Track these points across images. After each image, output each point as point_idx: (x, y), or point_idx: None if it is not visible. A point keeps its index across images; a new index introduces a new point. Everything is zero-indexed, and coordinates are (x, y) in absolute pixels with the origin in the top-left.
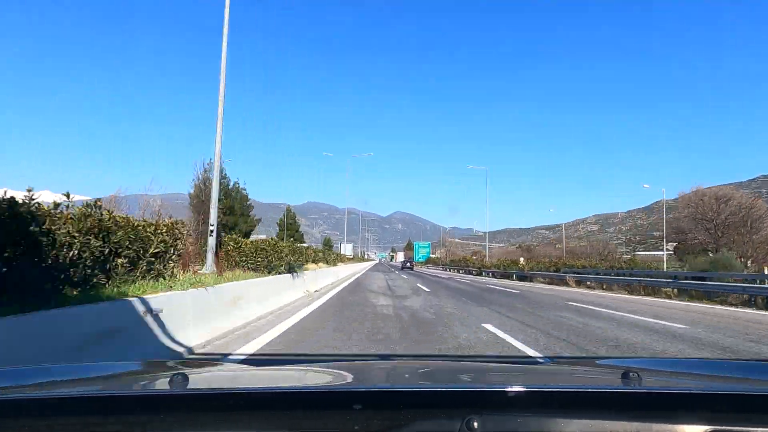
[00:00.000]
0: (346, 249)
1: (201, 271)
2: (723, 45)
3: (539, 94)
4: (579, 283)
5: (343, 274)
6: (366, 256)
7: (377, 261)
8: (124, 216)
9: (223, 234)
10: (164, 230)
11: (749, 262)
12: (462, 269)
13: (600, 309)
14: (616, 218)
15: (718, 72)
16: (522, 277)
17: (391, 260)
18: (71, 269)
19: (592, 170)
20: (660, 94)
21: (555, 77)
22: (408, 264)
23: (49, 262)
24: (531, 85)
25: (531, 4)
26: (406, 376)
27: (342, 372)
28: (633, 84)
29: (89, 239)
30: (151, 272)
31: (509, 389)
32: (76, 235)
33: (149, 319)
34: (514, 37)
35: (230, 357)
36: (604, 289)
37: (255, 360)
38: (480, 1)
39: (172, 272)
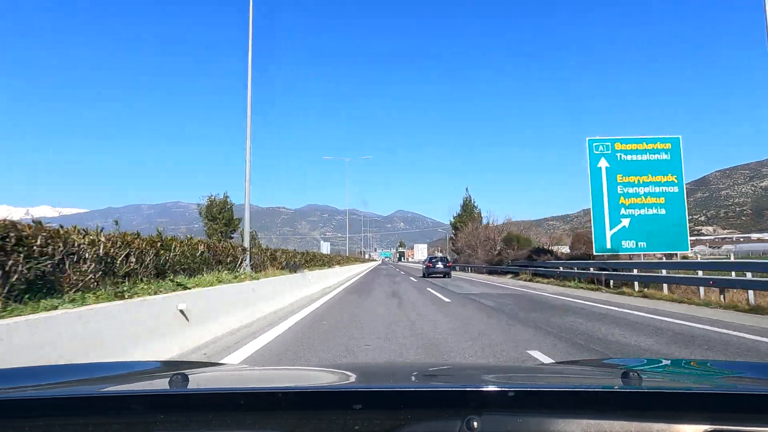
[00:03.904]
0: (324, 247)
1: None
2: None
3: (539, 89)
4: None
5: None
6: (368, 257)
7: (379, 261)
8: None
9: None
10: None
11: None
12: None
13: None
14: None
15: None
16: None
17: (400, 259)
18: None
19: None
20: (667, 79)
21: (552, 73)
22: (438, 265)
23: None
24: (531, 82)
25: (532, 4)
26: (407, 376)
27: (342, 372)
28: (637, 70)
29: None
30: None
31: (509, 389)
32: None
33: None
34: (514, 35)
35: None
36: None
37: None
38: (478, 4)
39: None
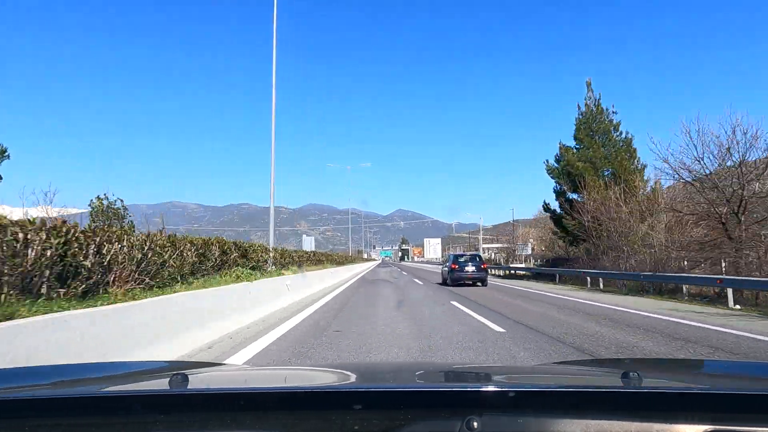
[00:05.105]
0: (307, 242)
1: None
2: None
3: (540, 87)
4: None
5: None
6: (367, 256)
7: (379, 261)
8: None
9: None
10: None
11: None
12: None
13: None
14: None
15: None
16: None
17: (403, 259)
18: None
19: None
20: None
21: (550, 68)
22: (469, 267)
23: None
24: (526, 80)
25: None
26: (407, 376)
27: (342, 372)
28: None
29: None
30: None
31: (509, 389)
32: None
33: None
34: (516, 35)
35: None
36: None
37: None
38: (476, 2)
39: None
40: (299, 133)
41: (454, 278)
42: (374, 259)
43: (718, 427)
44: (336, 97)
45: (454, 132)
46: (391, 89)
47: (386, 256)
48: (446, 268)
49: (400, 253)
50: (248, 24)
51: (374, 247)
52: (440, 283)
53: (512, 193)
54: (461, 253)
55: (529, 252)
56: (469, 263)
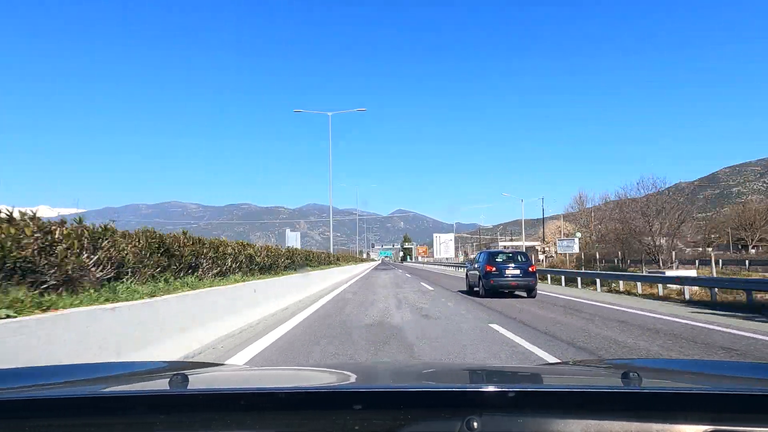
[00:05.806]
0: (292, 238)
1: None
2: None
3: (531, 86)
4: None
5: None
6: (366, 256)
7: (378, 261)
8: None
9: None
10: None
11: None
12: None
13: None
14: (636, 205)
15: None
16: None
17: (405, 259)
18: None
19: (592, 154)
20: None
21: (549, 67)
22: (510, 269)
23: None
24: (524, 77)
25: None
26: (407, 376)
27: (342, 372)
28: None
29: None
30: None
31: (509, 389)
32: None
33: None
34: (515, 28)
35: None
36: None
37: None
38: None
39: None
40: (299, 132)
41: (489, 286)
42: (373, 260)
43: (718, 427)
44: (336, 97)
45: (454, 131)
46: (390, 89)
47: (386, 256)
48: (475, 271)
49: (401, 253)
50: (243, 25)
51: (373, 246)
52: (465, 292)
53: (512, 194)
54: (498, 250)
55: (576, 250)
56: (511, 264)
